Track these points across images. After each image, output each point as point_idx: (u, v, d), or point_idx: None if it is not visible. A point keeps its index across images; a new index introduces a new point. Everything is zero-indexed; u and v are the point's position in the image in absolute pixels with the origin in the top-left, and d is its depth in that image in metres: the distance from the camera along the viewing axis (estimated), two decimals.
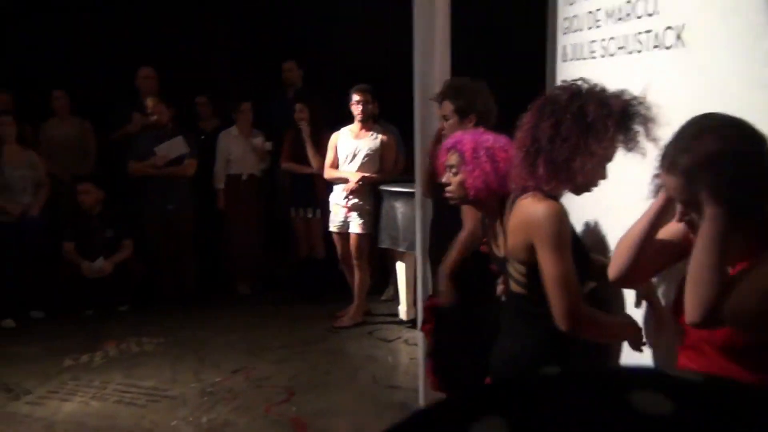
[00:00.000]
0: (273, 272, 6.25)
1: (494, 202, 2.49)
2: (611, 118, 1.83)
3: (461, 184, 2.49)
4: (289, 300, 5.82)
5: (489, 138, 2.47)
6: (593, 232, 2.45)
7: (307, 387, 4.15)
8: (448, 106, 3.13)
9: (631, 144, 1.86)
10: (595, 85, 1.91)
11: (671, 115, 1.74)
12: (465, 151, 2.45)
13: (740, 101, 1.70)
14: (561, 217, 1.94)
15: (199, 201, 5.87)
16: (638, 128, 1.84)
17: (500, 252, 2.51)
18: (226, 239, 6.02)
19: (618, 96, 1.87)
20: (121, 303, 5.55)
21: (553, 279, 1.92)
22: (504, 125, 2.63)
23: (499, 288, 2.62)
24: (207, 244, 6.09)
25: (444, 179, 2.57)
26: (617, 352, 2.29)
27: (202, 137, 6.02)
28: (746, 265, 1.51)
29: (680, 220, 1.57)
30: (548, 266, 1.93)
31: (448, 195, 2.57)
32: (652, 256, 1.69)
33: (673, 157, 1.53)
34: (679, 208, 1.56)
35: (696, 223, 1.53)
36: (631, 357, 2.14)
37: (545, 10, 3.00)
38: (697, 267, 1.47)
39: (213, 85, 6.29)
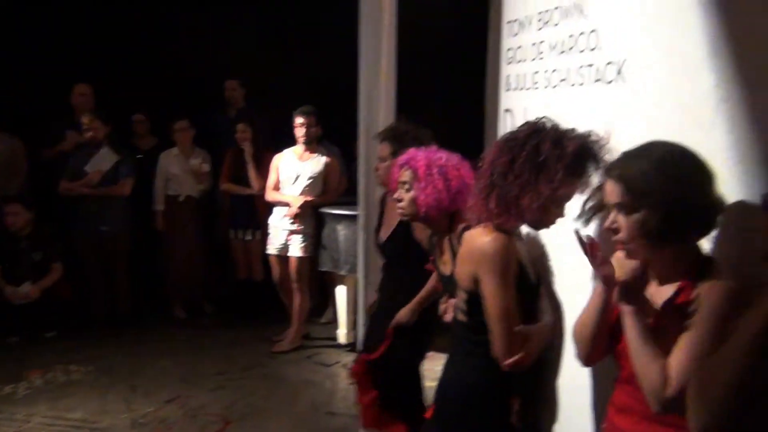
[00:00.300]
0: (210, 295, 6.09)
1: (444, 220, 2.51)
2: (562, 161, 1.84)
3: (413, 201, 2.51)
4: (226, 324, 5.70)
5: (442, 156, 2.51)
6: (532, 244, 2.46)
7: (244, 415, 4.04)
8: (387, 149, 3.14)
9: (583, 187, 1.87)
10: (557, 124, 1.93)
11: (612, 149, 1.77)
12: (418, 168, 2.48)
13: (678, 137, 1.74)
14: (505, 251, 1.94)
15: (136, 222, 5.68)
16: (592, 171, 1.85)
17: (446, 270, 2.51)
18: (164, 261, 5.84)
19: (576, 137, 1.87)
20: (48, 329, 5.29)
21: (494, 313, 1.94)
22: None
23: (442, 307, 2.60)
24: (144, 267, 5.89)
25: (396, 195, 2.59)
26: (554, 379, 2.29)
27: (139, 156, 5.85)
28: (683, 284, 1.55)
29: (608, 227, 1.59)
30: (490, 299, 1.95)
31: (399, 211, 2.59)
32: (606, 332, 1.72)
33: (615, 163, 1.59)
34: (612, 214, 1.58)
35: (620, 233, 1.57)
36: (569, 386, 2.15)
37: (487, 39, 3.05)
38: (636, 363, 1.53)
39: (151, 103, 6.13)
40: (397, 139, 3.11)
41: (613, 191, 1.57)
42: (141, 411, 4.05)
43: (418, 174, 2.48)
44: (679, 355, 1.47)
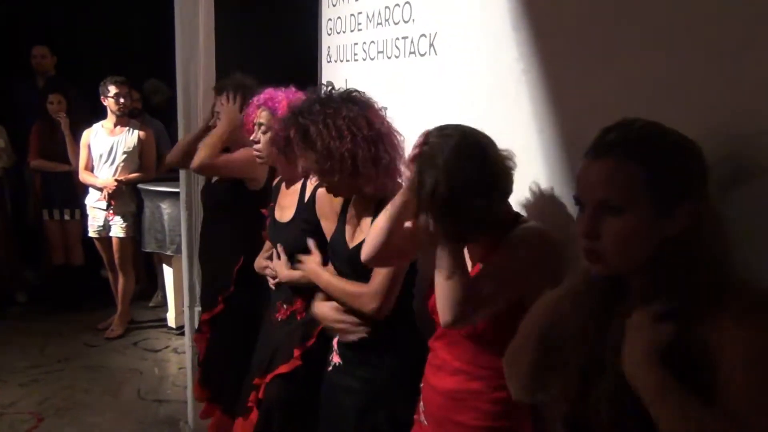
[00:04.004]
0: (23, 283, 5.57)
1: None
2: None
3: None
4: (42, 314, 5.23)
5: (301, 97, 2.39)
6: None
7: (61, 410, 3.74)
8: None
9: None
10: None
11: (427, 119, 1.78)
12: (278, 109, 2.36)
13: (488, 108, 1.79)
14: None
15: None
16: None
17: (283, 217, 2.40)
18: None
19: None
20: None
21: None
22: None
23: (264, 263, 2.48)
24: None
25: (252, 137, 2.46)
26: None
27: None
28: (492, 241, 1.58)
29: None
30: None
31: (256, 154, 2.47)
32: (399, 243, 1.69)
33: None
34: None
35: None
36: None
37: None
38: (437, 277, 1.51)
39: None
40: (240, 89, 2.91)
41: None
42: None
43: (277, 114, 2.34)
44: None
